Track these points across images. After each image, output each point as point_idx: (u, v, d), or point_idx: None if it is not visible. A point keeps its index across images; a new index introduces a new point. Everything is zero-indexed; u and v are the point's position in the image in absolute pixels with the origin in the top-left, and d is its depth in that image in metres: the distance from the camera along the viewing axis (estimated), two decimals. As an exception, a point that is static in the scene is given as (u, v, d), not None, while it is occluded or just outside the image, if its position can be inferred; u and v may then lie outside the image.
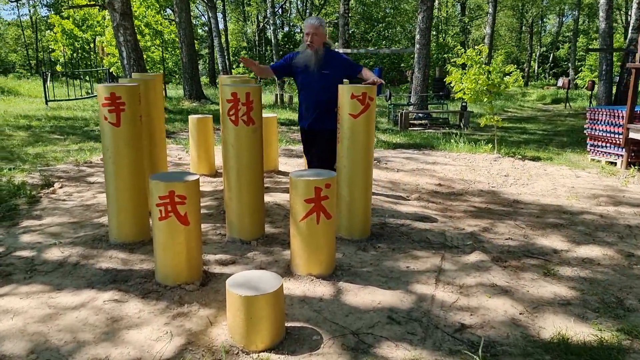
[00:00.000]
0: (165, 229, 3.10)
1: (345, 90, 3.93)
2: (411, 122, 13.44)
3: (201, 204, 5.27)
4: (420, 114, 14.19)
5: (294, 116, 14.18)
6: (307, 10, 36.41)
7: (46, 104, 15.44)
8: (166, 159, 5.48)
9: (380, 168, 7.33)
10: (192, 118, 6.38)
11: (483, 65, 8.70)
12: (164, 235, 3.12)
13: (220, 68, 28.91)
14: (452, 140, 10.01)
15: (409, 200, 5.62)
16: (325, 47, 4.41)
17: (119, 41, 13.87)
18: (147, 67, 21.12)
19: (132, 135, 3.71)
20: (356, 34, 39.20)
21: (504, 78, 8.62)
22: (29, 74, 36.26)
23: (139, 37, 18.93)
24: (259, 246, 3.94)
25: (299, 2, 43.76)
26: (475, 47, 9.00)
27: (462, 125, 13.17)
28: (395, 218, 4.84)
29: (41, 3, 34.78)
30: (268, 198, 5.39)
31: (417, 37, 14.27)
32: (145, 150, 4.30)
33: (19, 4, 41.58)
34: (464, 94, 8.85)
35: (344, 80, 4.70)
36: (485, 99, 8.80)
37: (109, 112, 3.61)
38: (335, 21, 29.30)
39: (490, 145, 9.15)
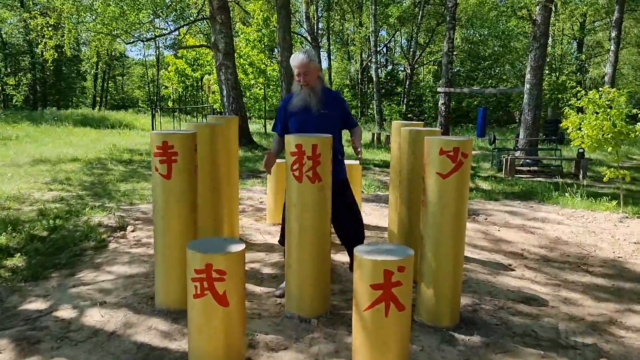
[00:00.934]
0: (200, 308, 2.58)
1: (432, 144, 3.24)
2: (518, 168, 12.20)
3: (270, 260, 4.86)
4: (528, 160, 12.88)
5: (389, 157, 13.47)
6: (412, 49, 35.98)
7: (152, 138, 16.17)
8: (237, 207, 5.08)
9: (477, 224, 6.42)
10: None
11: (608, 110, 7.49)
12: (198, 316, 2.59)
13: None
14: (566, 193, 8.75)
15: (512, 270, 4.70)
16: (322, 83, 3.80)
17: (220, 79, 14.23)
18: (249, 105, 21.74)
19: (183, 190, 3.28)
20: (461, 72, 38.00)
21: (637, 125, 7.34)
22: (148, 108, 39.26)
23: (242, 75, 19.56)
24: (320, 326, 3.30)
25: (403, 40, 43.56)
26: (600, 89, 7.82)
27: (578, 175, 11.70)
28: (493, 297, 3.97)
29: (163, 45, 37.84)
30: (343, 257, 4.76)
31: (528, 76, 13.11)
32: (213, 203, 3.90)
33: (145, 45, 45.57)
34: (583, 142, 7.67)
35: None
36: (610, 149, 7.55)
37: (159, 162, 3.23)
38: (439, 59, 28.51)
39: (614, 202, 7.81)
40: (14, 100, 33.14)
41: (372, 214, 6.72)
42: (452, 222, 3.25)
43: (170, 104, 21.66)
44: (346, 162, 6.01)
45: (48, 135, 16.61)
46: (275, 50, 26.37)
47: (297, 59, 3.61)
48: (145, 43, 40.40)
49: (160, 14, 14.34)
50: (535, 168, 12.65)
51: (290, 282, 3.40)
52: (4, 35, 31.72)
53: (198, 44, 18.13)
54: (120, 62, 41.92)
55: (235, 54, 20.14)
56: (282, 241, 3.89)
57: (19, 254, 4.53)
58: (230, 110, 14.13)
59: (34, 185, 7.94)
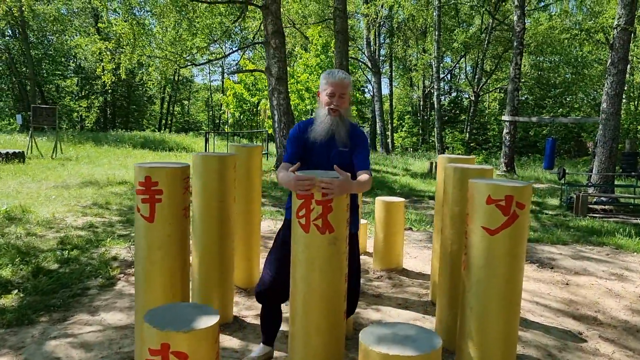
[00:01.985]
0: (156, 400, 1.97)
1: (478, 190, 2.53)
2: (591, 207, 10.95)
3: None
4: (603, 198, 11.58)
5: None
6: (477, 76, 34.73)
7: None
8: (258, 248, 4.50)
9: (540, 274, 5.49)
10: (379, 201, 5.30)
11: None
12: (154, 409, 1.99)
13: (378, 132, 28.55)
14: (650, 240, 7.56)
15: (583, 340, 3.81)
16: (350, 114, 3.09)
17: (272, 104, 13.95)
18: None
19: (169, 236, 2.73)
20: (529, 100, 36.24)
21: None
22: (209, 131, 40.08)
23: (298, 100, 19.31)
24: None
25: (468, 67, 42.31)
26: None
27: (663, 216, 10.31)
28: (558, 383, 3.13)
29: (227, 71, 38.70)
30: (376, 315, 4.04)
31: (604, 105, 11.90)
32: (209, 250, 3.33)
33: (210, 71, 46.92)
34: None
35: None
36: None
37: (141, 201, 2.70)
38: (505, 87, 27.22)
39: None
40: (85, 122, 34.75)
41: (417, 257, 5.94)
42: (503, 292, 2.50)
43: (227, 128, 21.75)
44: (388, 198, 5.32)
45: (107, 156, 16.93)
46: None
47: (336, 76, 2.92)
48: (211, 68, 41.45)
49: (215, 38, 14.34)
50: (612, 207, 11.32)
51: (294, 356, 2.73)
52: (79, 60, 33.49)
53: (252, 69, 18.06)
54: (185, 87, 43.27)
55: (293, 80, 20.02)
56: (260, 295, 3.05)
57: (16, 291, 4.15)
58: (281, 136, 13.77)
59: (71, 209, 7.76)
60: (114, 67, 13.67)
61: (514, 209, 2.47)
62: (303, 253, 2.61)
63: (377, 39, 30.71)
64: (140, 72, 13.90)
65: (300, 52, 21.47)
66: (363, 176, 2.95)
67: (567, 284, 5.23)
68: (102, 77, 14.56)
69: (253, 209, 4.32)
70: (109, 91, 35.57)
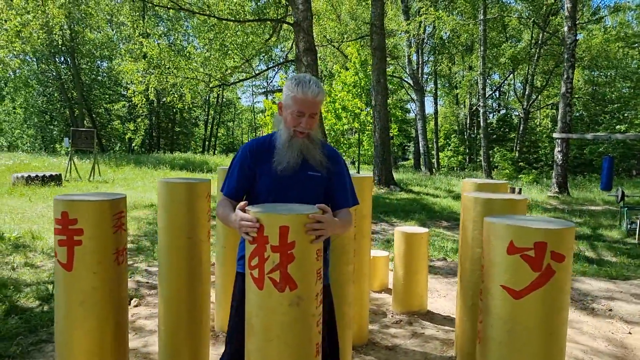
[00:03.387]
0: None
1: (496, 233, 1.80)
2: (657, 233, 9.72)
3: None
4: (671, 223, 10.29)
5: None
6: (527, 92, 33.20)
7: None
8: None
9: (593, 318, 4.56)
10: (399, 233, 4.59)
11: None
12: None
13: (421, 152, 27.57)
14: None
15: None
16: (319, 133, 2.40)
17: (304, 124, 13.43)
18: (342, 150, 20.81)
19: (93, 290, 2.13)
20: (584, 116, 34.33)
21: None
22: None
23: (334, 120, 18.75)
24: None
25: (517, 83, 40.74)
26: None
27: None
28: None
29: (267, 90, 38.84)
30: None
31: (668, 120, 10.68)
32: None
33: (254, 93, 47.33)
34: None
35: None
36: None
37: (59, 244, 2.12)
38: (557, 103, 25.77)
39: None
40: (133, 144, 35.49)
41: (447, 296, 5.13)
42: (532, 382, 1.74)
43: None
44: (410, 229, 4.58)
45: (143, 178, 16.83)
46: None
47: (308, 92, 2.19)
48: (255, 90, 41.72)
49: (248, 58, 14.04)
50: (681, 234, 10.02)
51: None
52: (127, 83, 34.40)
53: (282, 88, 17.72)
54: (228, 109, 43.71)
55: (329, 98, 19.51)
56: None
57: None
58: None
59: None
60: (144, 88, 13.60)
61: (549, 261, 1.73)
62: (257, 317, 1.95)
63: (420, 56, 29.92)
64: (171, 93, 13.74)
65: (338, 70, 20.97)
66: (344, 213, 2.29)
67: (629, 333, 4.31)
68: (133, 98, 14.53)
69: (364, 245, 3.72)
70: (156, 113, 36.28)
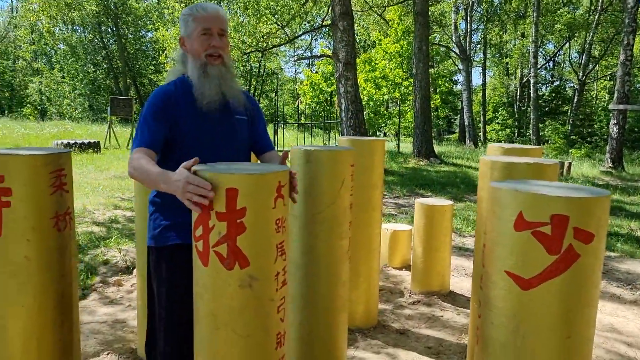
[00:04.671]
0: None
1: (500, 202, 1.37)
2: None
3: None
4: None
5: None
6: (582, 62, 31.17)
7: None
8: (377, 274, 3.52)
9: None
10: (418, 205, 4.19)
11: None
12: None
13: (466, 124, 26.50)
14: None
15: None
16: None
17: (339, 92, 12.96)
18: (381, 121, 20.19)
19: (27, 260, 1.83)
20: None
21: None
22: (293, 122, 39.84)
23: (373, 90, 18.12)
24: None
25: (573, 53, 38.40)
26: None
27: None
28: None
29: (311, 62, 38.13)
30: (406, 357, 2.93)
31: None
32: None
33: (297, 63, 46.72)
34: None
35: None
36: None
37: (-13, 206, 1.82)
38: (614, 73, 24.01)
39: None
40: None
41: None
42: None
43: (303, 119, 21.07)
44: (431, 201, 4.13)
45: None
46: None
47: (207, 8, 1.91)
48: (296, 61, 41.21)
49: (282, 22, 13.56)
50: None
51: None
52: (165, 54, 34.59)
53: (319, 55, 17.14)
54: (271, 80, 43.33)
55: (369, 67, 18.84)
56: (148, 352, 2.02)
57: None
58: (349, 126, 12.73)
59: (107, 201, 7.31)
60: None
61: (571, 241, 1.29)
62: (201, 300, 1.59)
63: (469, 24, 28.50)
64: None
65: (379, 38, 20.17)
66: (277, 158, 2.07)
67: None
68: (165, 65, 14.39)
69: (373, 218, 3.35)
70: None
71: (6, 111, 37.11)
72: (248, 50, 13.15)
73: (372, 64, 19.03)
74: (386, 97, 18.65)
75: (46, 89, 33.89)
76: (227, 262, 1.53)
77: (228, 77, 1.95)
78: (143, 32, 34.97)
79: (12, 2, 47.34)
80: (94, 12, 28.05)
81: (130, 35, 33.95)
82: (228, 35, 1.99)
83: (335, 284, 2.44)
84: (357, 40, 34.05)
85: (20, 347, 1.86)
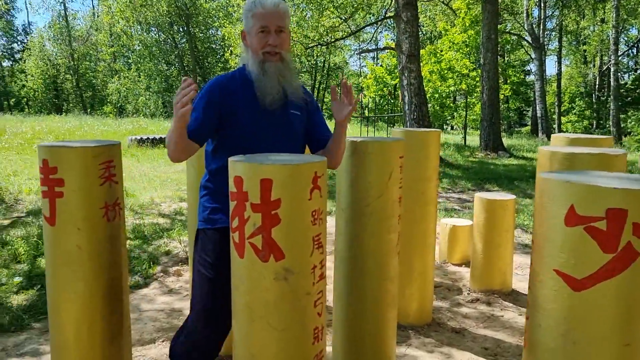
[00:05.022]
0: None
1: (550, 194, 1.25)
2: None
3: None
4: None
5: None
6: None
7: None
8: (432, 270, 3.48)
9: None
10: (478, 199, 3.96)
11: None
12: None
13: (538, 116, 25.28)
14: None
15: None
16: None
17: (402, 85, 12.74)
18: (447, 114, 19.66)
19: (79, 249, 1.90)
20: None
21: None
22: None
23: (439, 82, 17.67)
24: None
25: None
26: None
27: None
28: None
29: (376, 55, 37.79)
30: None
31: None
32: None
33: (360, 57, 46.45)
34: None
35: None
36: None
37: (42, 195, 1.91)
38: None
39: None
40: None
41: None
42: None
43: (367, 112, 20.92)
44: (492, 195, 3.94)
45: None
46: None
47: (268, 4, 1.88)
48: (363, 54, 40.98)
49: (344, 15, 13.46)
50: None
51: None
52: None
53: (382, 47, 16.88)
54: (335, 74, 43.32)
55: (434, 58, 18.37)
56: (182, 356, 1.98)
57: (39, 286, 3.75)
58: (412, 119, 12.48)
59: (174, 194, 7.58)
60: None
61: (629, 239, 1.16)
62: (237, 291, 1.59)
63: (542, 10, 27.11)
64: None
65: (445, 28, 19.61)
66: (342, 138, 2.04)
67: None
68: (230, 61, 14.71)
69: (428, 212, 3.25)
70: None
71: (89, 110, 39.52)
72: (311, 45, 13.17)
73: (438, 55, 18.53)
74: (452, 89, 18.11)
75: (124, 88, 35.72)
76: (262, 254, 1.51)
77: (286, 73, 1.95)
78: (212, 31, 36.03)
79: (93, 6, 50.33)
80: (166, 11, 29.25)
81: (200, 35, 35.08)
82: (288, 30, 1.97)
83: (384, 279, 2.37)
84: (423, 32, 33.36)
85: (73, 331, 1.95)
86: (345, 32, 13.58)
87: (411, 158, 3.10)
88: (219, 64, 36.92)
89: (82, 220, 1.89)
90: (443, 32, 19.66)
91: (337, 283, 2.48)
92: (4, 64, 45.62)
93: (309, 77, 41.46)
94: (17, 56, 45.76)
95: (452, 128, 31.90)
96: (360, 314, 2.39)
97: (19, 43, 47.08)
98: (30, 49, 41.58)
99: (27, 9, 78.00)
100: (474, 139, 19.44)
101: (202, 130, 1.88)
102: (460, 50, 18.32)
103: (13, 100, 43.64)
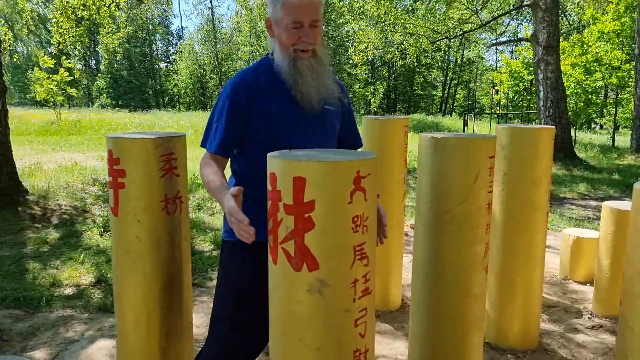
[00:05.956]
0: None
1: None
2: None
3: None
4: None
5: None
6: None
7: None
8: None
9: None
10: (607, 209, 3.43)
11: None
12: None
13: None
14: None
15: None
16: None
17: (537, 79, 11.75)
18: (592, 110, 17.74)
19: (138, 240, 1.90)
20: None
21: None
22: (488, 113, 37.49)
23: (582, 76, 16.00)
24: None
25: None
26: None
27: None
28: None
29: (513, 48, 35.36)
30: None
31: None
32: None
33: (498, 51, 43.84)
34: None
35: None
36: None
37: (108, 185, 1.94)
38: None
39: None
40: (371, 106, 36.75)
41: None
42: None
43: (498, 110, 19.64)
44: (622, 204, 3.35)
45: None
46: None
47: None
48: (499, 48, 38.73)
49: (477, 6, 12.68)
50: None
51: None
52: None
53: (516, 39, 15.58)
54: (469, 69, 41.36)
55: (579, 50, 16.67)
56: None
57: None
58: (547, 116, 11.41)
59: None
60: (365, 47, 13.46)
61: None
62: (272, 299, 1.44)
63: None
64: (391, 51, 13.45)
65: (593, 16, 17.62)
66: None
67: None
68: (354, 57, 14.65)
69: (535, 220, 2.84)
70: (392, 77, 36.76)
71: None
72: (439, 39, 12.64)
73: (584, 46, 16.75)
74: (599, 83, 16.25)
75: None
76: (294, 262, 1.35)
77: (320, 70, 1.76)
78: (345, 29, 36.49)
79: (235, 6, 53.79)
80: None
81: (333, 33, 35.71)
82: (322, 19, 1.76)
83: (466, 296, 2.07)
84: (569, 22, 30.48)
85: (133, 321, 1.96)
86: (475, 24, 12.81)
87: (517, 158, 2.73)
88: (350, 61, 37.33)
89: (141, 212, 1.88)
90: (591, 20, 17.70)
91: (414, 294, 2.24)
92: (161, 66, 50.80)
93: (440, 72, 40.18)
94: (172, 58, 50.58)
95: (600, 127, 28.80)
96: (438, 332, 2.12)
97: (173, 46, 52.05)
98: (182, 51, 45.70)
99: (180, 14, 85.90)
100: (624, 140, 17.27)
101: (229, 143, 1.76)
102: (611, 41, 16.33)
103: (167, 98, 48.35)
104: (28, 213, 5.37)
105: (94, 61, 48.39)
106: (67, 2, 9.51)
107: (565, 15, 32.18)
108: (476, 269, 2.08)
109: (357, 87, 38.58)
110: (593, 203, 7.62)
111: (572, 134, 13.35)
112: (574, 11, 27.08)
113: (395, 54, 14.35)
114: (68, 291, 3.61)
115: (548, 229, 5.77)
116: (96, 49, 41.50)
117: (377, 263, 3.11)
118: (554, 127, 2.97)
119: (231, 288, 1.83)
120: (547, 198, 2.81)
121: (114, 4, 9.89)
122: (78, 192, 6.18)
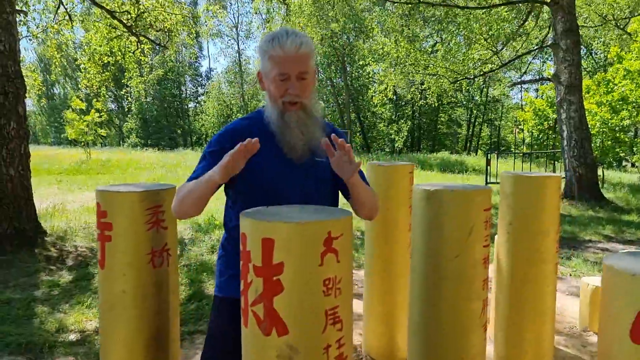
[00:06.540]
0: None
1: (612, 290, 0.85)
2: None
3: None
4: None
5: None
6: None
7: (485, 184, 14.48)
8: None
9: None
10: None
11: None
12: None
13: None
14: None
15: None
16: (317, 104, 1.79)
17: (560, 118, 11.61)
18: (619, 149, 17.35)
19: (123, 294, 1.88)
20: None
21: None
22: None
23: (608, 115, 15.75)
24: None
25: None
26: None
27: None
28: None
29: (538, 87, 35.16)
30: None
31: None
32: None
33: (523, 89, 43.68)
34: None
35: None
36: None
37: (97, 238, 1.94)
38: None
39: None
40: (395, 145, 36.74)
41: None
42: None
43: (522, 148, 19.36)
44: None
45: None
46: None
47: (286, 43, 1.64)
48: (524, 87, 38.62)
49: (496, 47, 12.72)
50: None
51: None
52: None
53: (537, 78, 15.48)
54: (494, 107, 41.19)
55: (604, 88, 16.47)
56: None
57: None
58: (571, 156, 11.19)
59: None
60: (385, 88, 13.59)
61: None
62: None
63: None
64: (412, 91, 13.58)
65: (617, 54, 17.44)
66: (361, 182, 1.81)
67: None
68: (373, 98, 14.77)
69: (544, 272, 2.70)
70: (416, 115, 36.87)
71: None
72: (459, 79, 12.66)
73: (610, 85, 16.54)
74: (626, 122, 15.92)
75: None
76: (263, 326, 1.30)
77: (308, 121, 1.75)
78: (369, 69, 37.01)
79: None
80: (325, 52, 30.92)
81: (355, 73, 36.24)
82: (312, 70, 1.75)
83: (462, 355, 1.97)
84: (595, 60, 30.26)
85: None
86: (496, 64, 12.81)
87: (524, 208, 2.64)
88: (371, 102, 37.69)
89: (127, 265, 1.87)
90: (616, 59, 17.53)
91: (411, 354, 2.14)
92: (190, 106, 52.18)
93: (464, 110, 40.10)
94: (200, 98, 51.92)
95: (632, 165, 28.10)
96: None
97: (202, 87, 53.50)
98: (209, 92, 46.92)
99: (209, 56, 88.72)
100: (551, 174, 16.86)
101: None
102: (636, 80, 16.08)
103: (195, 137, 49.38)
104: (44, 255, 5.45)
105: (126, 102, 50.10)
106: (94, 49, 9.94)
107: (591, 54, 31.99)
108: (472, 327, 1.99)
109: (382, 126, 38.73)
110: (619, 246, 7.33)
111: (600, 172, 13.04)
112: (600, 49, 26.95)
113: (416, 95, 14.44)
114: (72, 337, 3.59)
115: (570, 275, 5.57)
116: (128, 90, 43.29)
117: (383, 313, 3.03)
118: (559, 175, 2.89)
119: (217, 342, 1.81)
120: (555, 248, 2.70)
121: (139, 50, 10.28)
122: (96, 232, 6.27)
